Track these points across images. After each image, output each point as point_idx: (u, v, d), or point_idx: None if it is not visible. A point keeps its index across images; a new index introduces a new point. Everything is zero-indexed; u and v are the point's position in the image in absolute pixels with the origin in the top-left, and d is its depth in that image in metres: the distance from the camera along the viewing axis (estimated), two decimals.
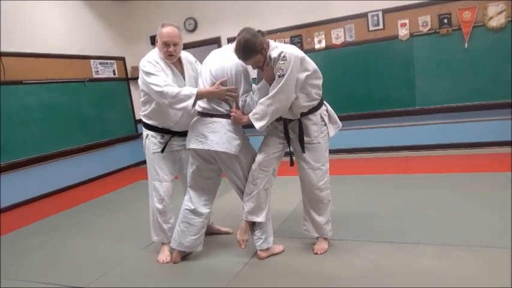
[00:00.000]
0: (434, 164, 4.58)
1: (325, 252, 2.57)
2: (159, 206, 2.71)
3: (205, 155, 2.54)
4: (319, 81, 2.46)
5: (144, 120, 2.72)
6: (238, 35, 2.33)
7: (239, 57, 2.37)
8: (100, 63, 6.04)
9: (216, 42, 6.01)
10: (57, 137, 5.24)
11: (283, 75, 2.26)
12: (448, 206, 3.14)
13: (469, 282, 2.05)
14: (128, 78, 6.56)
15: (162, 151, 2.68)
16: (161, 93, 2.42)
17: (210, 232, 3.05)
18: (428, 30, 4.93)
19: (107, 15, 6.26)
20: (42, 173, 5.01)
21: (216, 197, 2.76)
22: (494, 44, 4.69)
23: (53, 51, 5.27)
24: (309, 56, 2.42)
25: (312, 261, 2.49)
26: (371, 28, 5.18)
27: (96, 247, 3.14)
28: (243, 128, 2.53)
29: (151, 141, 2.69)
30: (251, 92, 2.47)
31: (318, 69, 2.44)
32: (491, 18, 4.64)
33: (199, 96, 2.40)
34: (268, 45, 2.35)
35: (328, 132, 2.53)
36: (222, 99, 2.43)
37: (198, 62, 2.79)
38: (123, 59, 6.51)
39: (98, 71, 5.98)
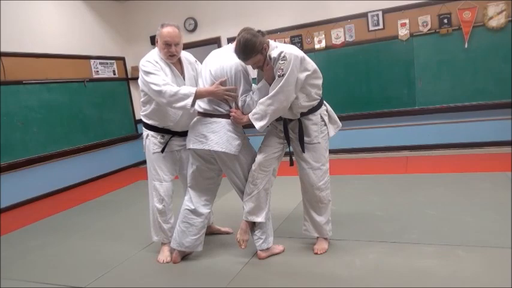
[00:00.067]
0: (434, 164, 4.58)
1: (325, 252, 2.57)
2: (159, 206, 2.71)
3: (205, 155, 2.54)
4: (319, 81, 2.46)
5: (144, 120, 2.72)
6: (238, 35, 2.33)
7: (239, 57, 2.37)
8: (100, 63, 6.04)
9: (216, 42, 6.01)
10: (57, 137, 5.24)
11: (283, 75, 2.26)
12: (448, 206, 3.14)
13: (469, 282, 2.05)
14: (127, 78, 6.56)
15: (162, 151, 2.68)
16: (160, 92, 2.42)
17: (210, 232, 3.05)
18: (428, 30, 4.93)
19: (107, 15, 6.26)
20: (42, 173, 5.01)
21: (216, 197, 2.76)
22: (494, 44, 4.69)
23: (53, 51, 5.27)
24: (309, 56, 2.42)
25: (312, 261, 2.48)
26: (371, 28, 5.18)
27: (96, 247, 3.14)
28: (243, 128, 2.53)
29: (151, 141, 2.69)
30: (251, 92, 2.47)
31: (318, 69, 2.44)
32: (491, 18, 4.64)
33: (198, 95, 2.40)
34: (268, 45, 2.35)
35: (328, 132, 2.53)
36: (221, 99, 2.43)
37: (198, 62, 2.79)
38: (123, 59, 6.51)
39: (98, 71, 5.98)
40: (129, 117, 6.56)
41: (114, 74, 6.31)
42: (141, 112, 2.73)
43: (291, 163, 2.59)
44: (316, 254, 2.56)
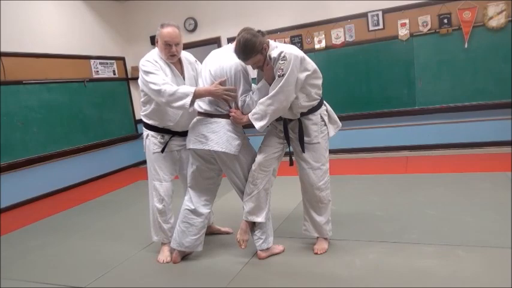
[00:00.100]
0: (434, 164, 4.58)
1: (325, 252, 2.57)
2: (159, 206, 2.71)
3: (205, 155, 2.54)
4: (319, 81, 2.46)
5: (145, 120, 2.72)
6: (238, 35, 2.33)
7: (239, 57, 2.37)
8: (100, 63, 6.04)
9: (216, 42, 6.01)
10: (57, 137, 5.24)
11: (283, 75, 2.26)
12: (448, 206, 3.14)
13: (469, 282, 2.05)
14: (128, 78, 6.56)
15: (162, 151, 2.68)
16: (159, 92, 2.42)
17: (210, 232, 3.05)
18: (428, 30, 4.93)
19: (107, 15, 6.26)
20: (42, 173, 5.01)
21: (216, 197, 2.76)
22: (494, 44, 4.69)
23: (53, 51, 5.27)
24: (309, 56, 2.42)
25: (312, 261, 2.48)
26: (371, 28, 5.18)
27: (96, 247, 3.14)
28: (243, 128, 2.53)
29: (151, 141, 2.69)
30: (250, 92, 2.47)
31: (318, 69, 2.44)
32: (491, 18, 4.64)
33: (197, 95, 2.40)
34: (268, 45, 2.35)
35: (328, 132, 2.53)
36: (220, 99, 2.42)
37: (198, 62, 2.80)
38: (123, 59, 6.51)
39: (98, 71, 5.98)
40: (129, 117, 6.56)
41: (114, 74, 6.31)
42: (141, 112, 2.73)
43: (291, 163, 2.59)
44: (316, 254, 2.56)
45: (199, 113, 2.50)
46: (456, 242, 2.51)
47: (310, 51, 5.38)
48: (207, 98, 2.46)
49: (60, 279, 2.63)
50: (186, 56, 2.74)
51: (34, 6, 5.07)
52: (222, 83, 2.40)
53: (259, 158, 2.48)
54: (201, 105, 2.49)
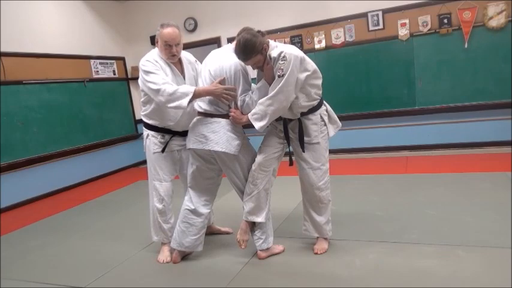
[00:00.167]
0: (434, 164, 4.58)
1: (325, 252, 2.57)
2: (159, 206, 2.71)
3: (205, 155, 2.54)
4: (319, 81, 2.46)
5: (145, 120, 2.72)
6: (238, 35, 2.33)
7: (239, 58, 2.37)
8: (100, 63, 6.04)
9: (216, 42, 6.01)
10: (57, 137, 5.24)
11: (283, 75, 2.26)
12: (448, 206, 3.14)
13: (469, 282, 2.05)
14: (128, 78, 6.57)
15: (163, 151, 2.68)
16: (158, 91, 2.42)
17: (210, 232, 3.05)
18: (428, 30, 4.93)
19: (107, 15, 6.26)
20: (42, 173, 5.01)
21: (216, 197, 2.76)
22: (494, 44, 4.69)
23: (53, 51, 5.27)
24: (309, 56, 2.42)
25: (312, 261, 2.48)
26: (371, 28, 5.18)
27: (96, 247, 3.14)
28: (243, 128, 2.53)
29: (151, 141, 2.69)
30: (250, 92, 2.47)
31: (318, 69, 2.44)
32: (491, 18, 4.64)
33: (196, 94, 2.40)
34: (268, 45, 2.35)
35: (328, 132, 2.53)
36: (220, 99, 2.42)
37: (198, 62, 2.80)
38: (123, 59, 6.51)
39: (98, 71, 5.98)
40: (129, 117, 6.56)
41: (114, 74, 6.31)
42: (142, 112, 2.73)
43: (291, 163, 2.59)
44: (316, 254, 2.56)
45: (199, 113, 2.50)
46: (456, 242, 2.51)
47: (310, 51, 5.38)
48: (207, 98, 2.46)
49: (60, 279, 2.63)
50: (186, 55, 2.74)
51: (34, 6, 5.07)
52: (221, 83, 2.40)
53: (259, 158, 2.48)
54: (201, 105, 2.49)
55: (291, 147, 2.56)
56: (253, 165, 2.48)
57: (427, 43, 4.97)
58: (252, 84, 2.55)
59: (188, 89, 2.41)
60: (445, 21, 4.83)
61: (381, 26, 5.13)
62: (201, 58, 2.72)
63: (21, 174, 4.77)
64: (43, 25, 5.20)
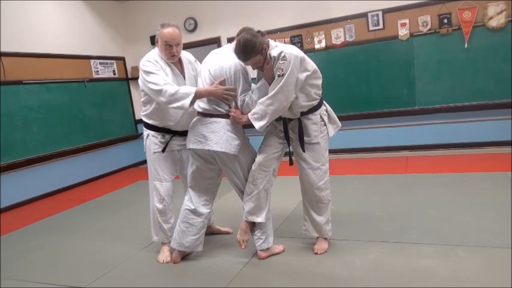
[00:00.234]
0: (434, 164, 4.58)
1: (325, 252, 2.57)
2: (160, 206, 2.71)
3: (205, 155, 2.54)
4: (319, 81, 2.46)
5: (145, 120, 2.72)
6: (238, 35, 2.33)
7: (239, 58, 2.37)
8: (100, 63, 6.04)
9: (216, 42, 6.01)
10: (57, 137, 5.24)
11: (283, 75, 2.26)
12: (448, 206, 3.14)
13: (469, 282, 2.05)
14: (128, 78, 6.57)
15: (163, 151, 2.68)
16: (160, 92, 2.42)
17: (210, 232, 3.05)
18: (428, 30, 4.93)
19: (107, 15, 6.26)
20: (42, 173, 5.01)
21: (216, 197, 2.76)
22: (494, 44, 4.69)
23: (53, 51, 5.27)
24: (309, 56, 2.42)
25: (312, 261, 2.48)
26: (371, 28, 5.18)
27: (96, 247, 3.14)
28: (243, 128, 2.53)
29: (152, 141, 2.69)
30: (250, 92, 2.47)
31: (318, 69, 2.44)
32: (491, 18, 4.64)
33: (197, 95, 2.40)
34: (268, 45, 2.35)
35: (327, 132, 2.53)
36: (220, 99, 2.42)
37: (198, 62, 2.80)
38: (123, 59, 6.51)
39: (98, 71, 5.98)
40: (129, 117, 6.56)
41: (114, 74, 6.31)
42: (142, 112, 2.73)
43: (291, 163, 2.59)
44: (316, 254, 2.56)
45: (199, 113, 2.50)
46: (456, 242, 2.51)
47: (310, 51, 5.38)
48: (206, 98, 2.46)
49: (60, 279, 2.63)
50: (186, 55, 2.74)
51: (34, 6, 5.07)
52: (221, 83, 2.40)
53: (259, 158, 2.48)
54: (201, 105, 2.49)
55: (291, 147, 2.56)
56: (253, 165, 2.48)
57: (427, 43, 4.97)
58: (252, 84, 2.55)
59: (189, 89, 2.41)
60: (445, 21, 4.84)
61: (380, 26, 5.13)
62: (201, 58, 2.72)
63: (21, 174, 4.77)
64: (43, 25, 5.20)
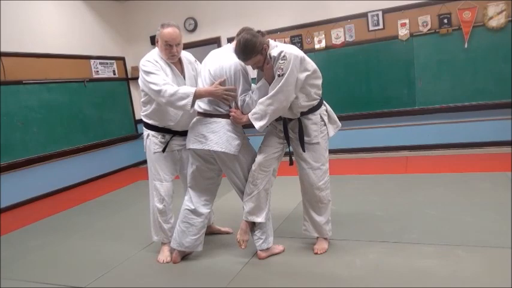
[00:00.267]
0: (434, 164, 4.58)
1: (325, 252, 2.57)
2: (160, 206, 2.71)
3: (205, 155, 2.54)
4: (319, 81, 2.46)
5: (145, 120, 2.72)
6: (238, 35, 2.33)
7: (239, 58, 2.37)
8: (100, 63, 6.04)
9: (216, 42, 6.01)
10: (57, 137, 5.24)
11: (283, 75, 2.26)
12: (448, 206, 3.14)
13: (469, 282, 2.05)
14: (128, 78, 6.57)
15: (164, 151, 2.68)
16: (159, 92, 2.42)
17: (210, 232, 3.05)
18: (428, 30, 4.93)
19: (107, 15, 6.26)
20: (42, 173, 5.01)
21: (216, 197, 2.76)
22: (494, 44, 4.69)
23: (53, 51, 5.27)
24: (309, 56, 2.42)
25: (312, 261, 2.48)
26: (371, 28, 5.18)
27: (96, 247, 3.14)
28: (243, 128, 2.53)
29: (152, 141, 2.69)
30: (250, 92, 2.47)
31: (318, 69, 2.44)
32: (491, 18, 4.64)
33: (197, 95, 2.40)
34: (268, 45, 2.35)
35: (327, 132, 2.53)
36: (220, 99, 2.42)
37: (198, 62, 2.80)
38: (123, 59, 6.51)
39: (98, 71, 5.98)
40: (129, 117, 6.56)
41: (114, 74, 6.31)
42: (142, 112, 2.73)
43: (291, 163, 2.59)
44: (316, 254, 2.56)
45: (199, 113, 2.50)
46: (456, 242, 2.51)
47: (310, 51, 5.38)
48: (206, 98, 2.46)
49: (60, 279, 2.63)
50: (186, 55, 2.74)
51: (34, 6, 5.07)
52: (221, 83, 2.40)
53: (259, 158, 2.48)
54: (201, 105, 2.49)
55: (291, 147, 2.56)
56: (253, 165, 2.48)
57: (427, 43, 4.97)
58: (252, 84, 2.55)
59: (189, 89, 2.41)
60: (445, 21, 4.84)
61: (381, 26, 5.13)
62: (201, 58, 2.72)
63: (21, 174, 4.77)
64: (43, 25, 5.20)
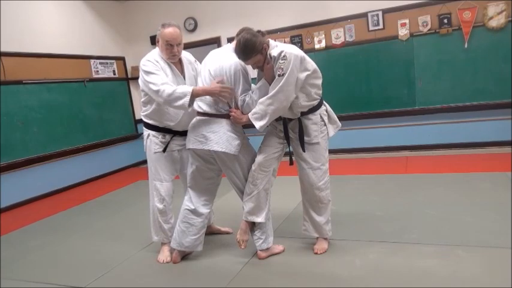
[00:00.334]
0: (434, 164, 4.58)
1: (325, 252, 2.57)
2: (160, 206, 2.71)
3: (205, 155, 2.54)
4: (319, 81, 2.46)
5: (145, 120, 2.71)
6: (238, 35, 2.33)
7: (239, 58, 2.37)
8: (100, 63, 6.04)
9: (216, 42, 6.01)
10: (57, 137, 5.24)
11: (283, 75, 2.26)
12: (448, 206, 3.14)
13: (469, 282, 2.05)
14: (128, 78, 6.56)
15: (164, 151, 2.68)
16: (157, 92, 2.42)
17: (210, 232, 3.05)
18: (428, 30, 4.93)
19: (107, 15, 6.26)
20: (42, 173, 5.01)
21: (216, 197, 2.76)
22: (494, 44, 4.69)
23: (53, 51, 5.27)
24: (309, 56, 2.42)
25: (312, 261, 2.48)
26: (371, 28, 5.18)
27: (96, 247, 3.14)
28: (243, 128, 2.53)
29: (152, 141, 2.69)
30: (250, 92, 2.47)
31: (318, 69, 2.44)
32: (491, 18, 4.64)
33: (194, 94, 2.40)
34: (268, 45, 2.35)
35: (327, 132, 2.53)
36: (218, 98, 2.42)
37: (197, 62, 2.80)
38: (123, 59, 6.51)
39: (98, 71, 5.98)
40: (129, 117, 6.56)
41: (114, 74, 6.31)
42: (142, 112, 2.72)
43: (291, 162, 2.59)
44: (316, 254, 2.56)
45: (199, 113, 2.50)
46: (456, 242, 2.51)
47: (310, 51, 5.37)
48: (207, 99, 2.46)
49: (60, 279, 2.63)
50: (186, 56, 2.74)
51: (34, 6, 5.07)
52: (220, 82, 2.39)
53: (259, 158, 2.48)
54: (201, 105, 2.49)
55: (291, 147, 2.56)
56: (253, 165, 2.48)
57: (427, 43, 4.97)
58: (252, 84, 2.55)
59: (186, 89, 2.41)
60: (445, 21, 4.83)
61: (381, 26, 5.13)
62: (201, 58, 2.72)
63: (21, 174, 4.77)
64: (43, 25, 5.20)
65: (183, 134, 2.68)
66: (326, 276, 2.30)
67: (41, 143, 5.01)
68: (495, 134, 4.85)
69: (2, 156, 4.53)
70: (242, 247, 2.53)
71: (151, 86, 2.45)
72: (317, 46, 5.46)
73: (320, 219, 2.56)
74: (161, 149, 2.68)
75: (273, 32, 5.52)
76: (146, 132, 2.73)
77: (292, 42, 5.54)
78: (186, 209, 2.64)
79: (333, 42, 5.39)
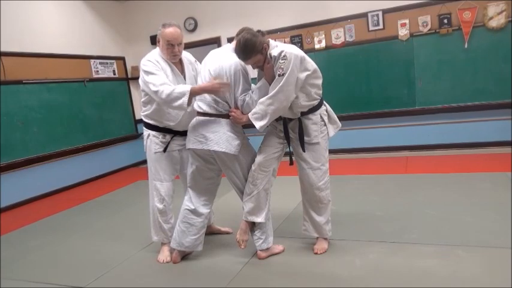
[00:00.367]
0: (434, 164, 4.58)
1: (325, 252, 2.57)
2: (160, 206, 2.71)
3: (204, 155, 2.54)
4: (319, 81, 2.46)
5: (145, 120, 2.71)
6: (238, 35, 2.33)
7: (239, 57, 2.37)
8: (100, 63, 6.04)
9: (216, 42, 6.01)
10: (57, 137, 5.24)
11: (283, 75, 2.26)
12: (448, 206, 3.14)
13: (469, 282, 2.05)
14: (128, 78, 6.57)
15: (164, 151, 2.68)
16: (156, 92, 2.42)
17: (210, 232, 3.05)
18: (428, 30, 4.93)
19: (107, 15, 6.26)
20: (41, 173, 5.01)
21: (216, 197, 2.76)
22: (494, 44, 4.69)
23: (53, 51, 5.27)
24: (309, 56, 2.42)
25: (312, 261, 2.48)
26: (371, 28, 5.18)
27: (96, 247, 3.14)
28: (243, 127, 2.53)
29: (152, 141, 2.69)
30: (250, 91, 2.47)
31: (318, 69, 2.44)
32: (491, 18, 4.64)
33: (193, 93, 2.39)
34: (268, 45, 2.35)
35: (327, 132, 2.53)
36: (216, 94, 2.41)
37: (197, 62, 2.80)
38: (123, 59, 6.51)
39: (98, 71, 5.98)
40: (129, 117, 6.56)
41: (114, 74, 6.31)
42: (142, 112, 2.72)
43: (291, 162, 2.59)
44: (316, 254, 2.56)
45: (199, 113, 2.50)
46: (456, 242, 2.51)
47: (310, 51, 5.37)
48: (207, 99, 2.46)
49: (60, 279, 2.63)
50: (186, 56, 2.74)
51: (34, 6, 5.07)
52: (216, 79, 2.39)
53: (259, 158, 2.48)
54: (201, 105, 2.49)
55: (291, 147, 2.56)
56: (253, 165, 2.48)
57: (427, 43, 4.97)
58: (252, 84, 2.55)
59: (184, 88, 2.40)
60: (445, 21, 4.83)
61: (380, 26, 5.13)
62: (201, 58, 2.72)
63: (21, 174, 4.77)
64: (43, 25, 5.20)
65: (183, 134, 2.68)
66: (326, 276, 2.30)
67: (40, 143, 5.01)
68: (495, 134, 4.85)
69: (2, 156, 4.53)
70: (242, 247, 2.53)
71: (151, 86, 2.45)
72: (317, 46, 5.46)
73: (320, 219, 2.56)
74: (161, 149, 2.67)
75: (273, 32, 5.52)
76: (146, 132, 2.73)
77: (292, 42, 5.54)
78: (186, 209, 2.64)
79: (333, 42, 5.39)
